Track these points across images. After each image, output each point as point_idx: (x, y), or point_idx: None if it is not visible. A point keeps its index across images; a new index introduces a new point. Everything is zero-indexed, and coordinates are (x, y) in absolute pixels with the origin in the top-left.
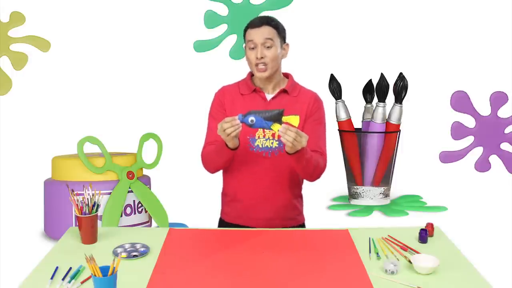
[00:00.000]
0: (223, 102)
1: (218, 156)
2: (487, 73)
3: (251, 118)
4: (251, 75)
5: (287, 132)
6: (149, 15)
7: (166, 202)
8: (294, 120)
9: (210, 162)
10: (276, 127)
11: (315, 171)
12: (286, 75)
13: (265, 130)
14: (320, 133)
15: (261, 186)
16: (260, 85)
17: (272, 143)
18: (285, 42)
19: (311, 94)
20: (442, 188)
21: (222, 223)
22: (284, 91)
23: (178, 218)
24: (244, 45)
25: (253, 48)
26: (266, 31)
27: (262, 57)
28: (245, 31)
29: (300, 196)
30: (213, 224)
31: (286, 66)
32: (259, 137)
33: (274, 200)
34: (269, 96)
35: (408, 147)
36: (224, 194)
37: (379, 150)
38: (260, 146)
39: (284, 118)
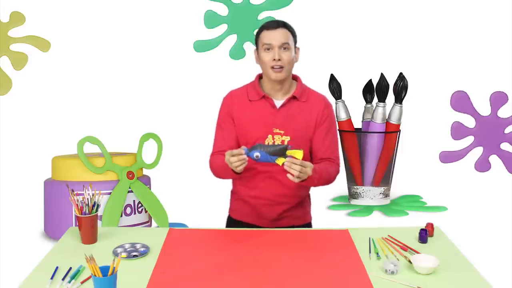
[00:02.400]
0: (230, 110)
1: (224, 174)
2: (487, 73)
3: (256, 154)
4: (259, 78)
5: (292, 166)
6: (149, 15)
7: (166, 202)
8: (298, 154)
9: (217, 174)
10: (280, 161)
11: (327, 182)
12: (295, 78)
13: (274, 135)
14: (332, 139)
15: (269, 189)
16: (269, 90)
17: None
18: (296, 46)
19: (320, 99)
20: (442, 188)
21: (230, 220)
22: (293, 97)
23: (178, 218)
24: (254, 50)
25: (268, 49)
26: (283, 34)
27: (279, 59)
28: (259, 32)
29: (308, 196)
30: (214, 223)
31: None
32: (268, 143)
33: (282, 203)
34: (278, 103)
35: (408, 147)
36: (233, 192)
37: (379, 150)
38: None
39: (288, 152)
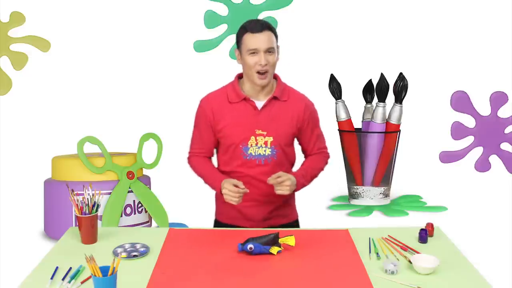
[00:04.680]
0: (209, 115)
1: (207, 184)
2: (487, 73)
3: (249, 246)
4: (238, 78)
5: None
6: (149, 15)
7: (166, 202)
8: (291, 240)
9: (198, 176)
10: (274, 250)
11: (318, 174)
12: (274, 77)
13: (257, 136)
14: (318, 135)
15: (255, 192)
16: (250, 91)
17: (265, 150)
18: (277, 45)
19: (300, 99)
20: (442, 188)
21: (217, 223)
22: (274, 97)
23: (178, 218)
24: (236, 49)
25: (253, 53)
26: (268, 38)
27: (266, 64)
28: (241, 34)
29: (293, 194)
30: (212, 224)
31: (286, 66)
32: (251, 145)
33: (268, 204)
34: (259, 104)
35: (408, 147)
36: (218, 196)
37: (379, 150)
38: (253, 153)
39: (281, 240)
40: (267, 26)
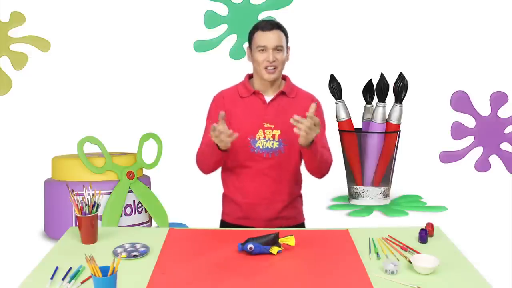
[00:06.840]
0: (220, 108)
1: (210, 155)
2: (487, 73)
3: (249, 246)
4: (249, 77)
5: (300, 124)
6: (149, 15)
7: (166, 202)
8: (291, 240)
9: (202, 161)
10: (274, 250)
11: (326, 165)
12: (283, 77)
13: (265, 129)
14: (322, 134)
15: (262, 186)
16: (259, 87)
17: (272, 144)
18: (287, 45)
19: (308, 97)
20: (442, 188)
21: (223, 224)
22: (282, 93)
23: (178, 218)
24: (246, 45)
25: (263, 51)
26: (277, 37)
27: (274, 60)
28: (252, 33)
29: (300, 196)
30: (214, 224)
31: (286, 66)
32: (259, 138)
33: (275, 201)
34: (268, 98)
35: (408, 147)
36: (224, 196)
37: (379, 150)
38: (261, 147)
39: (281, 240)
40: (277, 26)
